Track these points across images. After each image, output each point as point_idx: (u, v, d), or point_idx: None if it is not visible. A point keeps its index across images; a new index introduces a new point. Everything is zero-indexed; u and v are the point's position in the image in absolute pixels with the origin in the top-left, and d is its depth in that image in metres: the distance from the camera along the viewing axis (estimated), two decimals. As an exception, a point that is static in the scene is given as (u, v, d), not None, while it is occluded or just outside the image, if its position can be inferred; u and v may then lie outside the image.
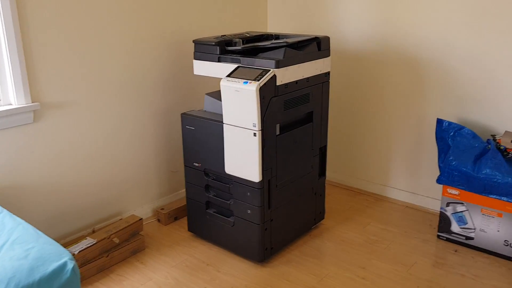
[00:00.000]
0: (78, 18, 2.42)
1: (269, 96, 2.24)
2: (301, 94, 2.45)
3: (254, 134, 2.26)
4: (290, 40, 2.39)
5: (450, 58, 2.76)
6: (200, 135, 2.51)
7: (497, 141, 2.55)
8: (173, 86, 2.96)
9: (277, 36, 2.69)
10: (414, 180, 3.11)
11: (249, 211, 2.42)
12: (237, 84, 2.24)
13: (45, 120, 2.38)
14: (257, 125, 2.23)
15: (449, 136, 2.66)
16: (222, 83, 2.29)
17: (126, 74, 2.69)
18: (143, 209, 2.96)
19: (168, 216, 2.92)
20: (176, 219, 2.98)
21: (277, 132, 2.35)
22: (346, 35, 3.15)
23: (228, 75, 2.31)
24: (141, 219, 2.67)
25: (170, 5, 2.84)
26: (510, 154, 2.46)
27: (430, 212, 3.04)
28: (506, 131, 2.57)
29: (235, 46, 2.49)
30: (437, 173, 2.93)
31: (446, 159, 2.60)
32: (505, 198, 2.42)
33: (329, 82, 2.64)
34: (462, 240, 2.65)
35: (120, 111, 2.71)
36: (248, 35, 2.65)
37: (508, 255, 2.51)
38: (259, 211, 2.39)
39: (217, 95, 2.63)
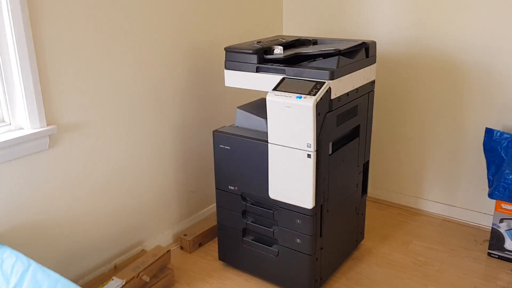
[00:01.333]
0: (89, 29, 2.08)
1: (324, 112, 1.98)
2: (351, 107, 2.20)
3: (308, 156, 1.99)
4: (341, 47, 2.12)
5: (495, 62, 2.57)
6: (238, 156, 2.22)
7: (554, 151, 2.38)
8: (190, 99, 2.65)
9: (314, 41, 2.43)
10: (451, 191, 2.92)
11: (298, 240, 2.16)
12: (288, 99, 1.96)
13: (60, 144, 2.04)
14: (312, 146, 1.97)
15: (502, 148, 2.47)
16: (269, 98, 2.01)
17: (142, 88, 2.37)
18: (164, 236, 2.65)
19: (192, 243, 2.62)
20: (200, 245, 2.68)
21: (330, 151, 2.10)
22: (375, 37, 2.92)
23: (275, 89, 2.03)
24: (169, 250, 2.36)
25: (176, 13, 2.53)
26: None
27: (470, 226, 2.85)
28: None
29: (275, 54, 2.20)
30: (477, 184, 2.78)
31: (501, 172, 2.41)
32: None
33: (374, 91, 2.40)
34: (517, 258, 2.48)
35: (138, 128, 2.39)
36: (284, 40, 2.37)
37: None
38: (311, 240, 2.13)
39: (250, 108, 2.35)
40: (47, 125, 1.94)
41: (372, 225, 2.88)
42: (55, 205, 2.07)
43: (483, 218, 2.82)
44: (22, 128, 1.91)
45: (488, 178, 2.55)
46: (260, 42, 2.28)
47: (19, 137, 1.83)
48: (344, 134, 2.24)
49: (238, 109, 2.35)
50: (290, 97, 1.96)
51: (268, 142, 2.08)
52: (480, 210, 2.83)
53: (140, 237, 2.52)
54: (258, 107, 2.39)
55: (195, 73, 2.64)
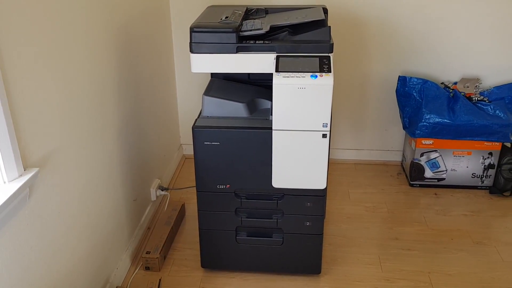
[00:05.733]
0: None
1: (330, 88, 1.88)
2: (328, 76, 2.14)
3: (324, 136, 1.88)
4: (318, 16, 2.00)
5: (392, 15, 2.81)
6: (229, 151, 1.94)
7: (452, 88, 2.80)
8: (126, 93, 2.15)
9: (266, 10, 2.22)
10: (358, 137, 3.18)
11: (307, 223, 2.07)
12: (302, 80, 1.78)
13: (36, 192, 1.42)
14: (328, 124, 1.86)
15: (416, 91, 2.78)
16: (277, 81, 1.79)
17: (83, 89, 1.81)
18: (123, 262, 2.19)
19: (161, 259, 2.24)
20: (165, 258, 2.31)
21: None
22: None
23: (277, 70, 1.81)
24: (160, 279, 1.98)
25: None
26: (474, 99, 2.74)
27: (379, 163, 3.19)
28: (462, 78, 2.84)
29: (252, 29, 1.93)
30: (379, 126, 3.10)
31: (420, 114, 2.72)
32: (477, 138, 2.72)
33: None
34: (434, 183, 2.90)
35: (94, 146, 1.83)
36: (240, 11, 2.10)
37: (475, 184, 2.89)
38: (321, 220, 2.07)
39: (216, 93, 2.06)
40: (24, 169, 1.33)
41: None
42: (35, 272, 1.47)
43: (386, 155, 3.19)
44: (-7, 184, 1.26)
45: (404, 120, 2.86)
46: (227, 17, 1.96)
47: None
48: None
49: (206, 97, 2.03)
50: (304, 77, 1.79)
51: (272, 129, 1.88)
52: (383, 148, 3.19)
53: (107, 274, 2.02)
54: (222, 90, 2.12)
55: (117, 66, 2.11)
